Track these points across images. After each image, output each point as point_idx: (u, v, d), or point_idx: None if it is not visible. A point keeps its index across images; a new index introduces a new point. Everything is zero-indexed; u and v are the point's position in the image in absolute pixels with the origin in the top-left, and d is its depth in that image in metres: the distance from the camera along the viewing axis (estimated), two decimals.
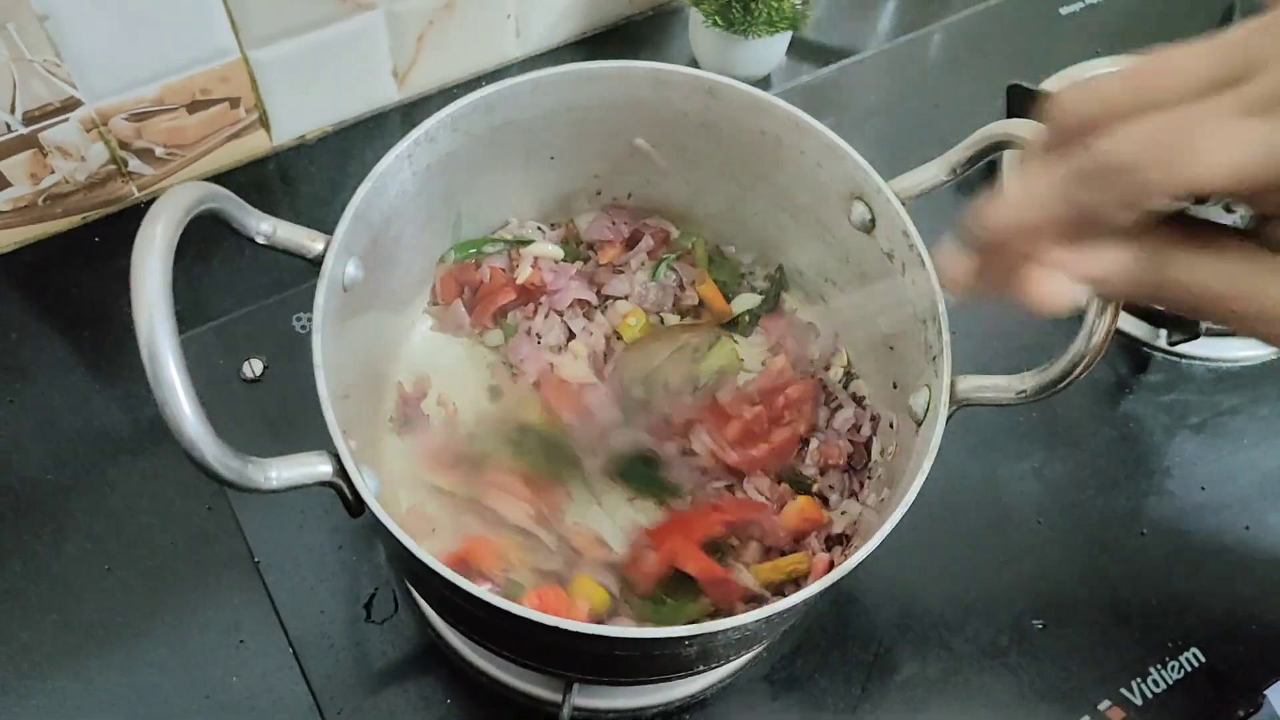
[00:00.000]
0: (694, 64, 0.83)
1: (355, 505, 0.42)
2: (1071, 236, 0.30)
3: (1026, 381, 0.44)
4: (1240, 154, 0.27)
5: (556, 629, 0.39)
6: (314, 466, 0.41)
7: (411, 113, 0.79)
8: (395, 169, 0.46)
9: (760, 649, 0.57)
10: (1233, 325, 0.31)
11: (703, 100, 0.51)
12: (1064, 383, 0.43)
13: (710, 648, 0.44)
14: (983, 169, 0.50)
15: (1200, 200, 0.31)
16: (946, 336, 0.45)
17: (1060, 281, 0.30)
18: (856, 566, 0.42)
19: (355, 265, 0.46)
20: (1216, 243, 0.31)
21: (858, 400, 0.57)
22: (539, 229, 0.62)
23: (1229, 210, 0.48)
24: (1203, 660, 0.60)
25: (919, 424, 0.46)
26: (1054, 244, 0.30)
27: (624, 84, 0.51)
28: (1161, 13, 0.80)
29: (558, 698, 0.54)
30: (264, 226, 0.43)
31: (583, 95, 0.51)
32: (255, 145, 0.76)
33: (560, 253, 0.61)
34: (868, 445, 0.55)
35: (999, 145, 0.46)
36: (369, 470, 0.42)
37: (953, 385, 0.44)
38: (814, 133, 0.49)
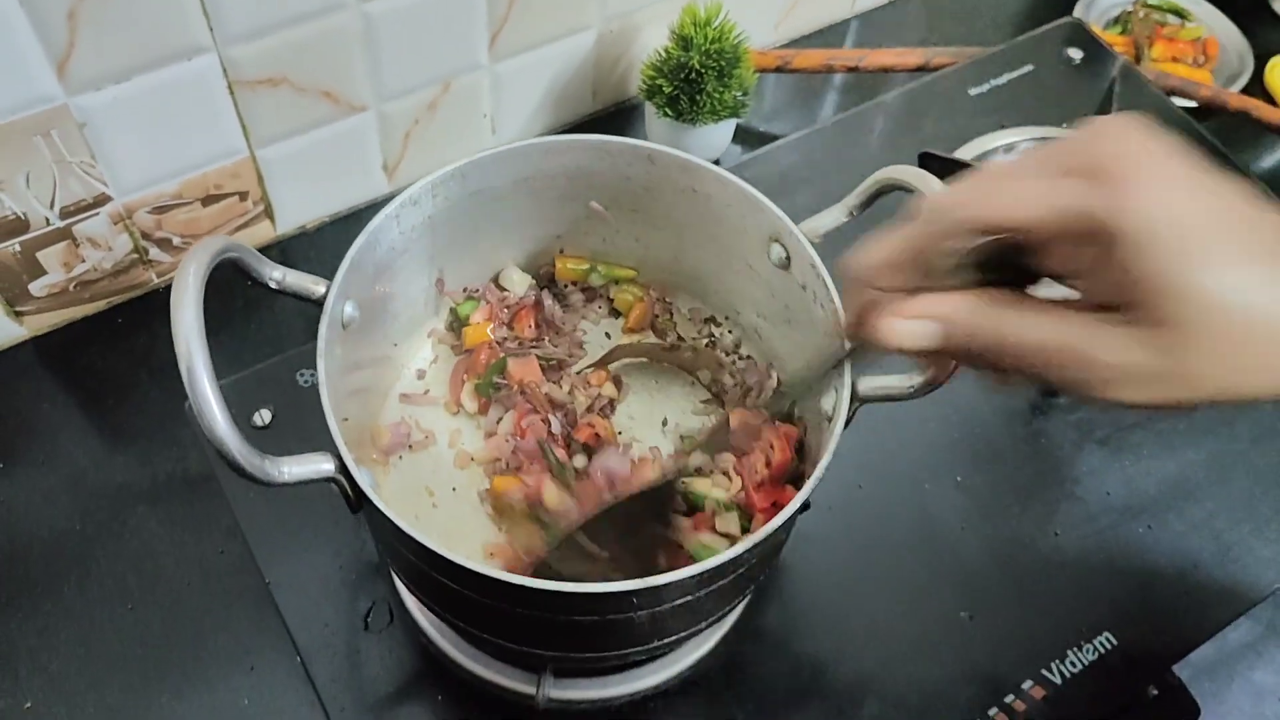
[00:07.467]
0: None
1: (355, 500, 0.50)
2: (916, 283, 0.39)
3: (914, 379, 0.52)
4: (1029, 202, 0.36)
5: (520, 586, 0.45)
6: (319, 464, 0.48)
7: None
8: (386, 227, 0.55)
9: (716, 640, 0.64)
10: (1062, 386, 0.37)
11: (643, 166, 0.60)
12: (946, 377, 0.51)
13: (659, 615, 0.50)
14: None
15: (1022, 263, 0.38)
16: (848, 345, 0.53)
17: (908, 323, 0.39)
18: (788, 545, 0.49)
19: (352, 306, 0.54)
20: (1049, 307, 0.37)
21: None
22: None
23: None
24: (1114, 643, 0.65)
25: (829, 420, 0.54)
26: (904, 291, 0.39)
27: (576, 155, 0.59)
28: (1053, 91, 0.91)
29: (533, 690, 0.60)
30: (275, 274, 0.51)
31: (542, 166, 0.60)
32: (261, 234, 0.84)
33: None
34: (799, 451, 0.62)
35: (889, 188, 0.54)
36: (365, 471, 0.50)
37: (854, 385, 0.52)
38: (735, 187, 0.58)
